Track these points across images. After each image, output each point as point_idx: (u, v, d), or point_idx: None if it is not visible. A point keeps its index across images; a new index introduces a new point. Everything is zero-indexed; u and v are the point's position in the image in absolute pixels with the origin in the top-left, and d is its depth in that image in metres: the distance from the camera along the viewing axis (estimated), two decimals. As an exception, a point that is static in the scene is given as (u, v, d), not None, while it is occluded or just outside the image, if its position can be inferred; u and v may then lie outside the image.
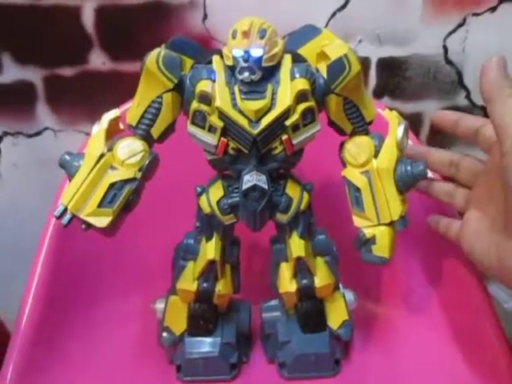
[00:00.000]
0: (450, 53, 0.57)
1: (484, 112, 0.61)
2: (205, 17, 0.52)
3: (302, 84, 0.29)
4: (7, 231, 0.59)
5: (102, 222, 0.30)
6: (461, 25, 0.55)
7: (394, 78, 0.57)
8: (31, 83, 0.54)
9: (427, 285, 0.42)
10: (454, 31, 0.55)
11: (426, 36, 0.55)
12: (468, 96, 0.59)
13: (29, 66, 0.53)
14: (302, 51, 0.31)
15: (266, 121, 0.29)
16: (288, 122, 0.29)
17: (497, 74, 0.29)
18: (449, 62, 0.57)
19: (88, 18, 0.51)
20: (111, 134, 0.32)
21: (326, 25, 0.54)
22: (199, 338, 0.37)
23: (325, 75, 0.30)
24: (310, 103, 0.30)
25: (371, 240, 0.33)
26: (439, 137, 0.61)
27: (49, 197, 0.44)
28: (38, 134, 0.57)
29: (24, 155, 0.58)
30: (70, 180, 0.31)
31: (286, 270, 0.36)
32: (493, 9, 0.54)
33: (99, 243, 0.43)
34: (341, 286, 0.38)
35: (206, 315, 0.36)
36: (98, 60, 0.53)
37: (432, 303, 0.41)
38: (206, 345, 0.37)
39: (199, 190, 0.34)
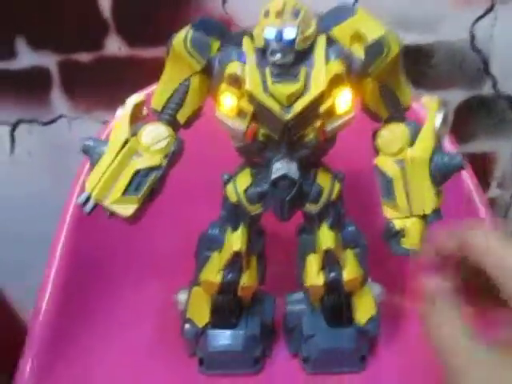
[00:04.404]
0: (477, 40, 0.55)
1: (510, 102, 0.59)
2: (224, 0, 0.51)
3: (337, 67, 0.28)
4: (21, 220, 0.59)
5: (126, 210, 0.29)
6: (489, 10, 0.53)
7: (419, 65, 0.55)
8: (46, 69, 0.53)
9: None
10: (482, 17, 0.53)
11: (453, 22, 0.53)
12: (494, 85, 0.58)
13: (44, 51, 0.52)
14: (334, 32, 0.30)
15: (299, 106, 0.28)
16: (322, 108, 0.28)
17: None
18: (475, 49, 0.55)
19: (105, 2, 0.50)
20: (135, 120, 0.31)
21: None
22: (223, 331, 0.36)
23: (361, 57, 0.29)
24: (346, 87, 0.28)
25: (401, 232, 0.32)
26: (463, 128, 0.59)
27: (64, 186, 0.43)
28: (52, 121, 0.56)
29: (39, 143, 0.57)
30: (93, 167, 0.30)
31: (313, 262, 0.35)
32: (523, -6, 0.52)
33: (118, 232, 0.42)
34: (369, 279, 0.37)
35: (229, 307, 0.35)
36: (114, 45, 0.52)
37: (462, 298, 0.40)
38: (229, 338, 0.36)
39: (226, 177, 0.32)
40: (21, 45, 0.52)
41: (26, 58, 0.52)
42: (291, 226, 0.36)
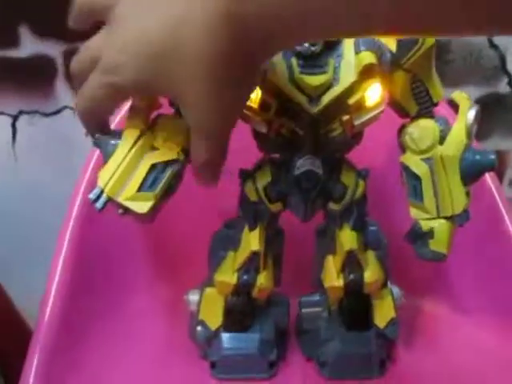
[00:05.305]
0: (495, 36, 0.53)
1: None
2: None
3: (368, 58, 0.26)
4: (23, 217, 0.57)
5: (141, 207, 0.27)
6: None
7: (435, 61, 0.54)
8: (50, 58, 0.51)
9: (478, 281, 0.39)
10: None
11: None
12: (510, 83, 0.56)
13: (48, 39, 0.50)
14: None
15: (327, 98, 0.26)
16: (351, 101, 0.26)
17: None
18: (493, 45, 0.54)
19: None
20: (150, 111, 0.29)
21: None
22: (236, 334, 0.34)
23: (392, 49, 0.27)
24: (377, 80, 0.27)
25: (428, 234, 0.30)
26: (478, 126, 0.58)
27: (67, 179, 0.41)
28: (56, 112, 0.54)
29: (41, 136, 0.55)
30: (105, 160, 0.28)
31: (332, 264, 0.33)
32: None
33: (126, 230, 0.41)
34: (388, 281, 0.36)
35: (244, 309, 0.34)
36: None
37: (482, 299, 0.39)
38: (243, 341, 0.34)
39: (245, 174, 0.31)
40: (24, 32, 0.50)
41: (30, 46, 0.50)
42: (305, 227, 0.34)
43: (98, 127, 0.27)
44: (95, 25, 0.25)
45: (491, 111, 0.58)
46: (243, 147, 0.30)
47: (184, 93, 0.22)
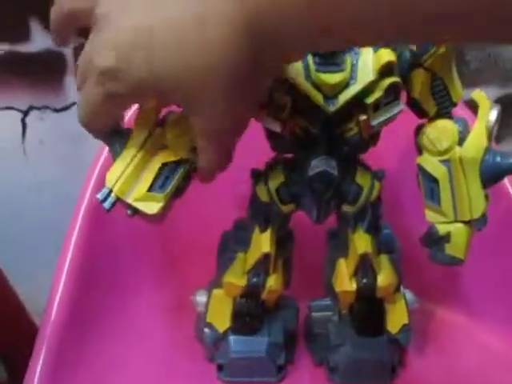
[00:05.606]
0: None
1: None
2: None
3: (387, 55, 0.25)
4: (32, 212, 0.56)
5: (151, 208, 0.26)
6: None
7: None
8: (60, 53, 0.50)
9: (493, 286, 0.38)
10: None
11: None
12: (528, 83, 0.55)
13: (59, 34, 0.50)
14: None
15: (345, 97, 0.25)
16: (369, 100, 0.26)
17: None
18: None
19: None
20: (160, 108, 0.28)
21: None
22: (244, 337, 0.34)
23: (413, 47, 0.26)
24: (396, 78, 0.26)
25: (445, 238, 0.29)
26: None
27: (76, 176, 0.41)
28: (66, 108, 0.54)
29: (51, 131, 0.55)
30: (114, 159, 0.27)
31: (344, 267, 0.32)
32: None
33: (132, 229, 0.40)
34: (401, 285, 0.35)
35: (253, 312, 0.33)
36: (132, 30, 0.49)
37: (498, 305, 0.38)
38: (252, 344, 0.34)
39: (256, 174, 0.30)
40: (35, 26, 0.49)
41: (40, 40, 0.50)
42: (315, 229, 0.33)
43: (104, 131, 0.25)
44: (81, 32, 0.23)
45: (509, 113, 0.56)
46: (254, 146, 0.30)
47: (192, 99, 0.21)
